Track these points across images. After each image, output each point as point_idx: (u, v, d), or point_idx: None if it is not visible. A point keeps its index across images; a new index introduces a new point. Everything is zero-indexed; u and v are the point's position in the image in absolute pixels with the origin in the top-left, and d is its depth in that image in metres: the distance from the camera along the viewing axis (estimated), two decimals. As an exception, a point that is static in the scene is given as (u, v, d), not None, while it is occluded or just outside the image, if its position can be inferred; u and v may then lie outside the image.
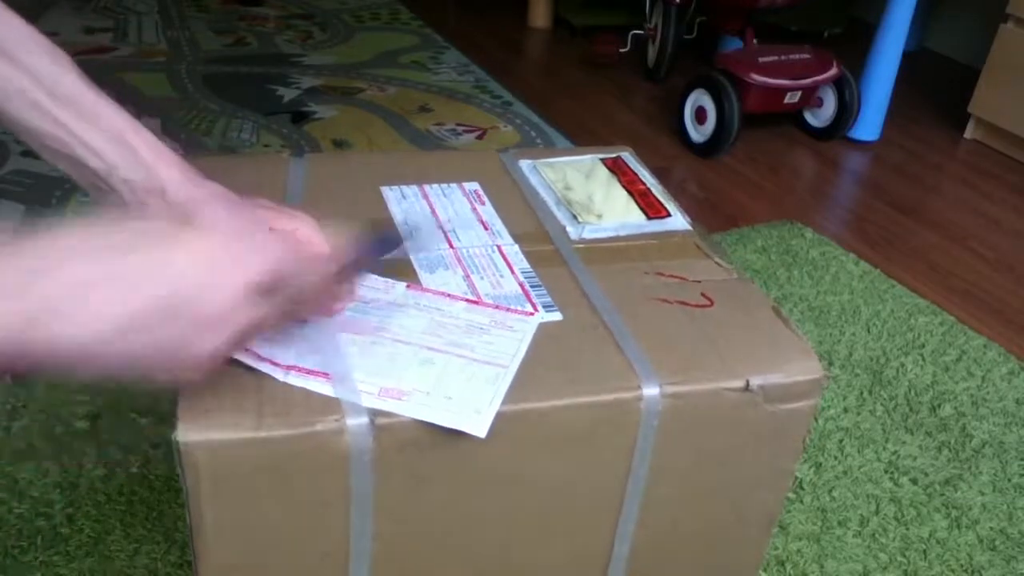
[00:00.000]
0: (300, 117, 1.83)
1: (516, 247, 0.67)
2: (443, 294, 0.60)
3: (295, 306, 0.50)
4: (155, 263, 0.43)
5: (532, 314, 0.59)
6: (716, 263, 0.67)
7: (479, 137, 1.83)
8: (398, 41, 2.34)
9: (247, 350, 0.52)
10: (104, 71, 1.94)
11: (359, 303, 0.59)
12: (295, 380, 0.51)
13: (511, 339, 0.56)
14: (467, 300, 0.60)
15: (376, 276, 0.61)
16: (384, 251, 0.59)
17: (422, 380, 0.52)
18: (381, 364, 0.53)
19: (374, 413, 0.50)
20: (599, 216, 0.71)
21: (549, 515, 0.57)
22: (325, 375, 0.52)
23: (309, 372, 0.52)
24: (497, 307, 0.59)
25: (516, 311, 0.59)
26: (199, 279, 0.43)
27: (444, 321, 0.57)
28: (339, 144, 1.74)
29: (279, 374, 0.51)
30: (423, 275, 0.62)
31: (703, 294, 0.63)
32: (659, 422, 0.55)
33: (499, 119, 1.92)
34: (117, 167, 0.52)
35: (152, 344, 0.42)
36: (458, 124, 1.88)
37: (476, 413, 0.50)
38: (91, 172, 0.52)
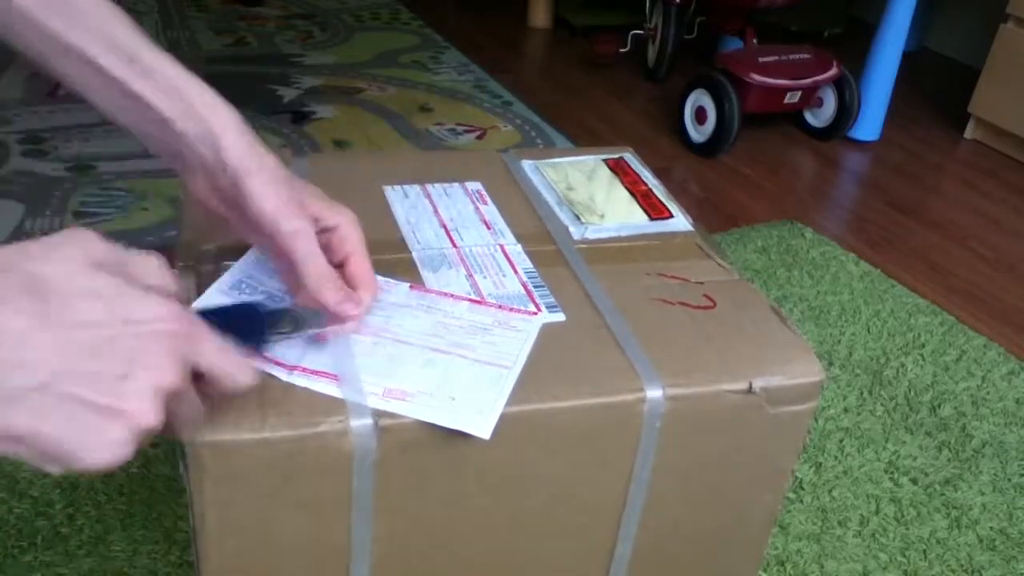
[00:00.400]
0: (300, 117, 1.83)
1: (519, 247, 0.67)
2: (446, 294, 0.60)
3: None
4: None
5: (535, 314, 0.59)
6: (718, 264, 0.67)
7: (479, 137, 1.83)
8: (398, 41, 2.34)
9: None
10: (104, 70, 1.94)
11: None
12: (299, 380, 0.51)
13: (514, 339, 0.56)
14: (470, 300, 0.60)
15: (378, 276, 0.61)
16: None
17: (426, 381, 0.52)
18: (385, 365, 0.53)
19: (378, 414, 0.50)
20: (601, 216, 0.72)
21: (551, 516, 0.57)
22: (330, 375, 0.52)
23: (314, 372, 0.52)
24: (500, 307, 0.59)
25: (519, 311, 0.59)
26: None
27: (447, 322, 0.57)
28: (339, 144, 1.74)
29: (283, 374, 0.52)
30: (426, 274, 0.62)
31: (705, 295, 0.63)
32: (661, 424, 0.55)
33: (499, 119, 1.92)
34: (173, 120, 0.51)
35: (58, 418, 0.37)
36: (458, 124, 1.88)
37: (479, 414, 0.51)
38: (146, 122, 0.52)
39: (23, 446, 0.37)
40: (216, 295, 0.57)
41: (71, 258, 0.39)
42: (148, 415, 0.38)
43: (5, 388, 0.36)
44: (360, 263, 0.56)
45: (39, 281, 0.38)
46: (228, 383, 0.43)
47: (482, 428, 0.50)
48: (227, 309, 0.53)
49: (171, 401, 0.40)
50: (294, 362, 0.52)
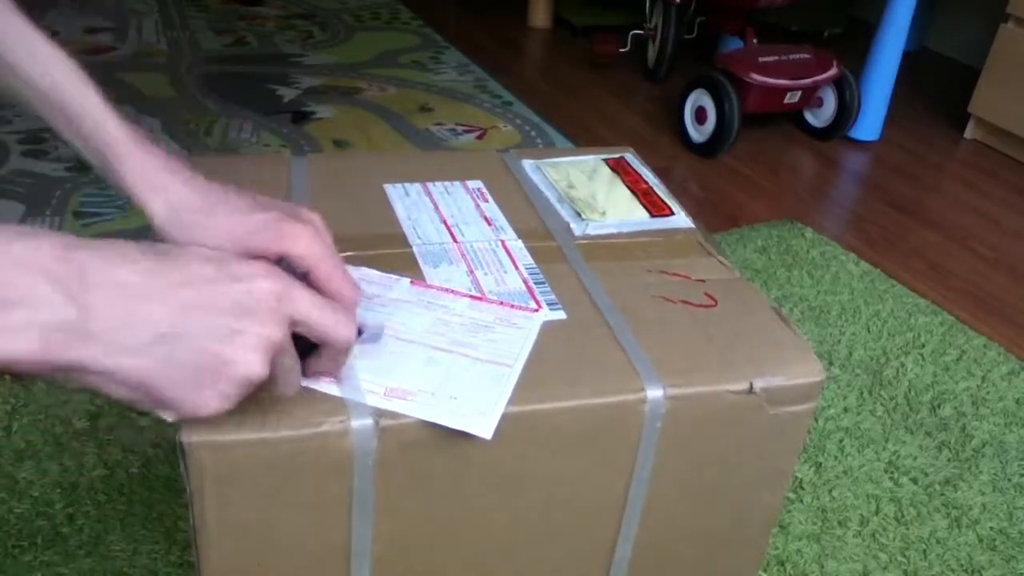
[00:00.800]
0: (300, 117, 1.83)
1: (520, 242, 0.67)
2: (447, 290, 0.60)
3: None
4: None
5: (536, 311, 0.59)
6: (719, 262, 0.67)
7: (479, 137, 1.83)
8: (398, 41, 2.34)
9: None
10: (104, 71, 1.94)
11: (362, 298, 0.58)
12: (303, 381, 0.51)
13: (516, 337, 0.56)
14: (471, 297, 0.60)
15: (380, 272, 0.61)
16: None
17: (427, 380, 0.52)
18: (386, 363, 0.53)
19: (378, 414, 0.50)
20: (602, 213, 0.71)
21: (551, 516, 0.57)
22: (327, 373, 0.52)
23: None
24: (501, 304, 0.59)
25: (520, 308, 0.59)
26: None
27: (448, 319, 0.57)
28: (339, 144, 1.74)
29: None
30: (427, 270, 0.62)
31: (706, 294, 0.63)
32: (662, 424, 0.55)
33: (499, 119, 1.92)
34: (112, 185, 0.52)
35: (175, 370, 0.41)
36: (458, 124, 1.88)
37: (481, 414, 0.50)
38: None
39: (139, 393, 0.41)
40: None
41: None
42: (255, 366, 0.42)
43: (125, 338, 0.39)
44: (322, 276, 0.50)
45: (156, 246, 0.42)
46: (331, 335, 0.46)
47: (484, 428, 0.50)
48: None
49: (275, 358, 0.43)
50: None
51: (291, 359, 0.46)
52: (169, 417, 0.43)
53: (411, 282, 0.61)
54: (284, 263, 0.49)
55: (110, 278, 0.39)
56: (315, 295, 0.46)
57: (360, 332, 0.53)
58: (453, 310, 0.58)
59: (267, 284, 0.43)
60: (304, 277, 0.49)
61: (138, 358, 0.40)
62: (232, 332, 0.41)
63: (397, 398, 0.51)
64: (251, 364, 0.42)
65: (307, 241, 0.50)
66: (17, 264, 0.37)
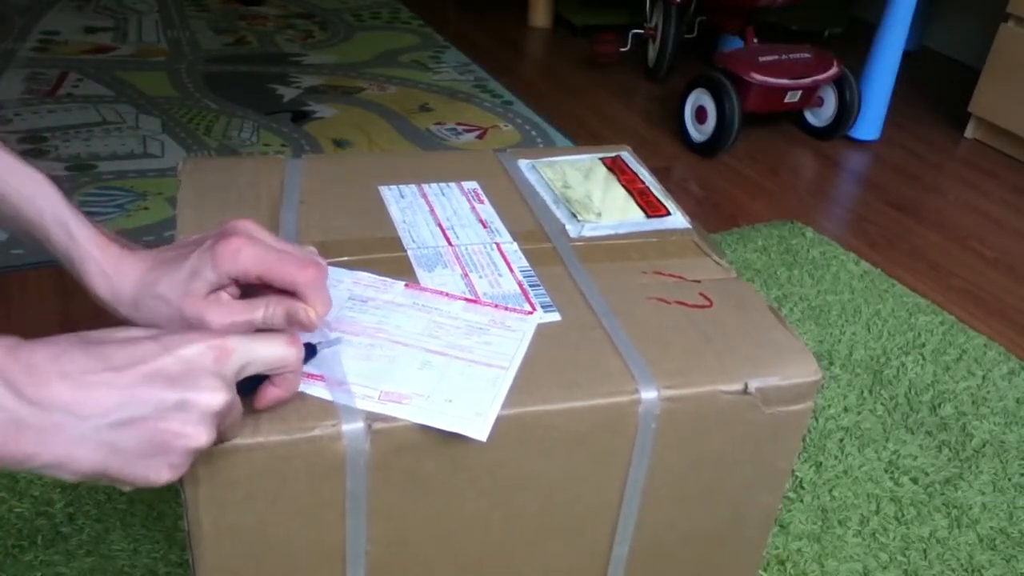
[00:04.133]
0: (300, 116, 1.83)
1: (515, 245, 0.67)
2: (441, 293, 0.60)
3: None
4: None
5: (531, 313, 0.59)
6: (715, 262, 0.67)
7: (479, 136, 1.83)
8: (398, 40, 2.34)
9: None
10: (104, 71, 1.94)
11: (356, 301, 0.58)
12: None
13: (510, 339, 0.56)
14: (466, 299, 0.60)
15: (374, 275, 0.61)
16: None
17: (422, 384, 0.52)
18: (381, 367, 0.53)
19: (370, 418, 0.50)
20: (598, 214, 0.71)
21: (547, 517, 0.57)
22: (321, 378, 0.52)
23: (311, 376, 0.52)
24: (496, 306, 0.59)
25: (515, 310, 0.59)
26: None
27: (443, 321, 0.57)
28: (339, 143, 1.74)
29: None
30: (421, 273, 0.62)
31: (702, 294, 0.63)
32: (657, 425, 0.55)
33: (499, 118, 1.92)
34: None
35: (127, 450, 0.42)
36: (458, 123, 1.88)
37: (477, 416, 0.50)
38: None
39: (93, 475, 0.42)
40: None
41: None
42: (202, 438, 0.43)
43: (75, 428, 0.41)
44: (275, 280, 0.50)
45: (93, 336, 0.44)
46: (280, 365, 0.48)
47: (479, 431, 0.50)
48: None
49: (221, 418, 0.44)
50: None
51: (237, 412, 0.47)
52: (125, 488, 0.45)
53: (405, 285, 0.61)
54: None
55: (53, 371, 0.41)
56: (250, 336, 0.47)
57: (312, 351, 0.53)
58: (448, 313, 0.58)
59: (200, 347, 0.44)
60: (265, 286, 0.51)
61: (89, 446, 0.41)
62: (177, 406, 0.43)
63: (392, 402, 0.51)
64: (198, 437, 0.43)
65: (237, 256, 0.50)
66: None
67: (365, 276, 0.61)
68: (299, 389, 0.51)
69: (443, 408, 0.51)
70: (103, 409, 0.41)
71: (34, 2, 2.28)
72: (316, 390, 0.51)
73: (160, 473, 0.43)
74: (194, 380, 0.43)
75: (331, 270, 0.60)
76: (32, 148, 1.59)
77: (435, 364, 0.54)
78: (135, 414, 0.42)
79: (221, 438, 0.47)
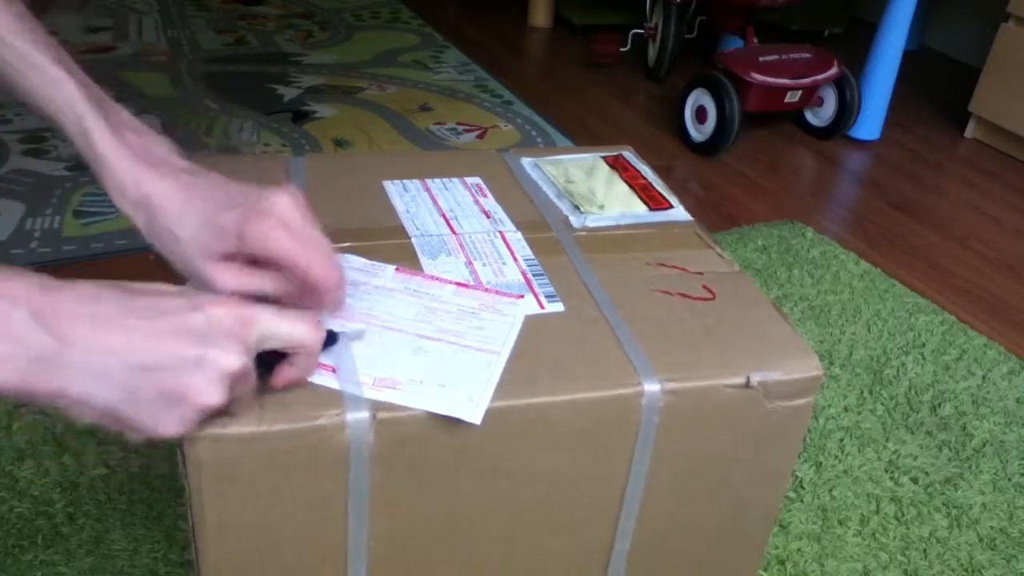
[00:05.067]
0: (300, 116, 1.83)
1: (518, 234, 0.67)
2: (432, 278, 0.60)
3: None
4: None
5: (521, 298, 0.59)
6: (717, 254, 0.67)
7: (480, 136, 1.83)
8: (398, 40, 2.34)
9: None
10: (104, 70, 1.94)
11: (347, 286, 0.58)
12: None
13: (501, 324, 0.56)
14: (456, 284, 0.60)
15: (364, 260, 0.61)
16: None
17: (416, 369, 0.52)
18: (374, 354, 0.53)
19: (374, 407, 0.50)
20: (601, 207, 0.71)
21: (549, 511, 0.57)
22: (326, 367, 0.52)
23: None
24: (487, 290, 0.59)
25: (506, 294, 0.59)
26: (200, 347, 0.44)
27: (434, 306, 0.57)
28: (340, 143, 1.74)
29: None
30: (425, 261, 0.62)
31: (704, 286, 0.63)
32: (659, 418, 0.55)
33: (500, 118, 1.92)
34: (87, 162, 0.54)
35: (143, 398, 0.44)
36: (459, 123, 1.88)
37: (470, 401, 0.50)
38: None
39: (107, 418, 0.44)
40: None
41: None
42: (214, 396, 0.44)
43: (98, 368, 0.42)
44: (299, 272, 0.50)
45: (124, 284, 0.46)
46: (299, 345, 0.48)
47: (473, 414, 0.50)
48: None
49: (233, 385, 0.46)
50: None
51: (248, 388, 0.48)
52: (134, 437, 0.45)
53: (396, 269, 0.61)
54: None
55: (83, 312, 0.43)
56: (276, 311, 0.48)
57: (334, 338, 0.53)
58: (439, 298, 0.58)
59: (226, 311, 0.45)
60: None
61: (109, 385, 0.43)
62: (195, 361, 0.44)
63: (387, 387, 0.51)
64: (211, 394, 0.44)
65: (267, 240, 0.49)
66: None
67: (356, 260, 0.61)
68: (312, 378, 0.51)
69: (437, 393, 0.51)
70: (128, 352, 0.43)
71: (34, 2, 2.28)
72: (319, 377, 0.51)
73: (168, 425, 0.44)
74: (216, 340, 0.44)
75: None
76: (32, 148, 1.59)
77: (428, 349, 0.54)
78: (157, 363, 0.43)
79: (229, 409, 0.47)
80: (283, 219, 0.50)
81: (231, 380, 0.45)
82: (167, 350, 0.43)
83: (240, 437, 0.48)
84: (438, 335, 0.55)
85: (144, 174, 0.53)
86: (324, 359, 0.52)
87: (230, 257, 0.51)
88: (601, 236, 0.68)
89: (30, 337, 0.41)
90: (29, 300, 0.41)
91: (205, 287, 0.51)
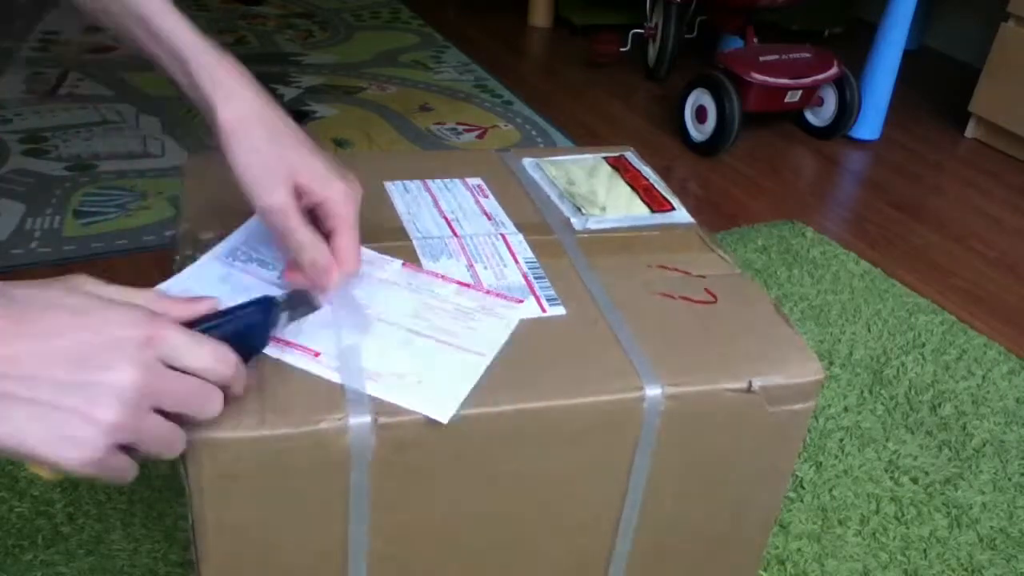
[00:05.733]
0: (301, 116, 1.83)
1: (520, 236, 0.67)
2: (437, 275, 0.60)
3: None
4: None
5: (520, 302, 0.59)
6: (720, 257, 0.67)
7: (480, 136, 1.83)
8: (398, 40, 2.34)
9: None
10: (105, 70, 1.94)
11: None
12: (273, 352, 0.52)
13: (495, 327, 0.56)
14: (459, 283, 0.60)
15: (374, 252, 0.61)
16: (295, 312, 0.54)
17: (398, 362, 0.52)
18: (361, 343, 0.53)
19: (376, 411, 0.50)
20: (603, 209, 0.71)
21: (550, 514, 0.57)
22: (304, 349, 0.52)
23: (288, 344, 0.52)
24: (488, 292, 0.59)
25: (505, 297, 0.59)
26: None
27: (433, 304, 0.57)
28: (339, 143, 1.74)
29: (276, 351, 0.52)
30: (426, 263, 0.62)
31: (706, 290, 0.63)
32: (660, 422, 0.55)
33: (500, 118, 1.92)
34: (182, 86, 0.55)
35: (27, 425, 0.39)
36: (459, 123, 1.87)
37: (442, 399, 0.50)
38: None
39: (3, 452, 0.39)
40: (211, 262, 0.59)
41: (50, 285, 0.43)
42: (110, 413, 0.40)
43: None
44: (342, 239, 0.55)
45: (15, 297, 0.41)
46: (208, 375, 0.45)
47: (441, 413, 0.50)
48: (238, 308, 0.50)
49: (138, 415, 0.41)
50: (289, 338, 0.53)
51: (155, 423, 0.43)
52: (42, 473, 0.42)
53: (403, 264, 0.61)
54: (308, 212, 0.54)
55: None
56: (187, 337, 0.44)
57: (305, 302, 0.54)
58: (439, 295, 0.58)
59: (128, 332, 0.42)
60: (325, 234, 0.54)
61: None
62: (86, 382, 0.40)
63: (365, 378, 0.51)
64: (105, 412, 0.40)
65: (344, 201, 0.55)
66: None
67: (365, 251, 0.61)
68: (294, 363, 0.52)
69: (412, 388, 0.51)
70: (2, 377, 0.38)
71: (34, 2, 2.28)
72: (309, 363, 0.51)
73: (68, 452, 0.40)
74: (107, 359, 0.41)
75: None
76: (32, 148, 1.59)
77: (415, 345, 0.54)
78: (40, 382, 0.39)
79: (140, 448, 0.43)
80: (355, 193, 0.56)
81: (134, 396, 0.41)
82: (57, 370, 0.39)
83: (241, 440, 0.48)
84: (429, 332, 0.55)
85: (241, 72, 0.55)
86: (300, 328, 0.53)
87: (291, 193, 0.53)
88: (603, 238, 0.68)
89: None
90: None
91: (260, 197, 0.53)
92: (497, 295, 0.59)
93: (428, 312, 0.57)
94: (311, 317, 0.54)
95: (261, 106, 0.54)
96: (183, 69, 0.54)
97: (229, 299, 0.50)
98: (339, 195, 0.55)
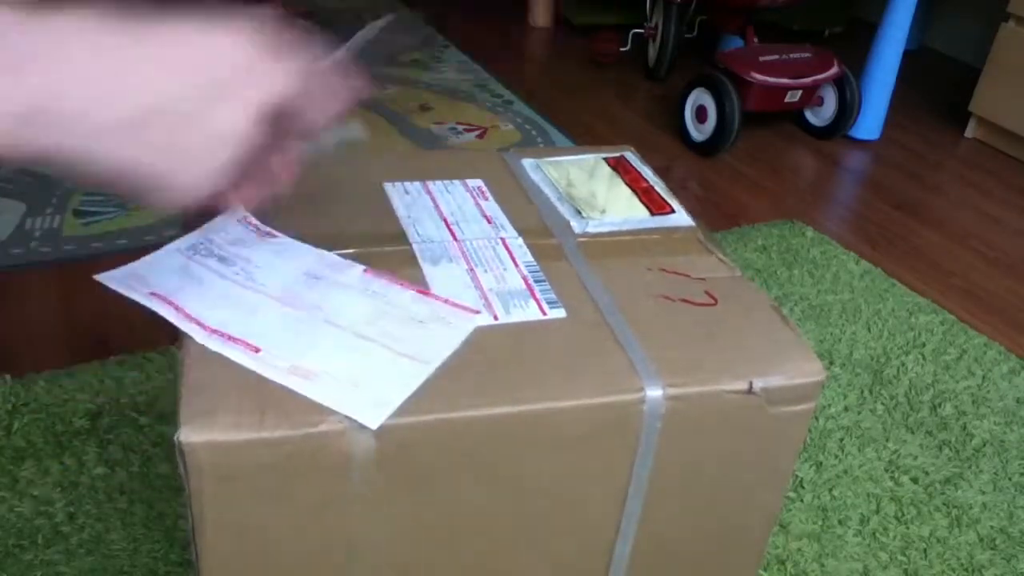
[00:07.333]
0: (300, 116, 1.83)
1: (520, 240, 0.67)
2: (395, 282, 0.60)
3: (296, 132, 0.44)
4: (189, 49, 0.38)
5: (476, 313, 0.59)
6: (720, 259, 0.67)
7: (480, 136, 1.83)
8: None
9: (177, 308, 0.53)
10: (104, 69, 1.94)
11: (309, 278, 0.58)
12: (214, 345, 0.52)
13: (444, 336, 0.56)
14: (417, 291, 0.59)
15: (337, 257, 0.61)
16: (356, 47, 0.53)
17: (337, 364, 0.52)
18: (303, 342, 0.53)
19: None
20: (602, 211, 0.71)
21: (551, 516, 0.57)
22: (246, 344, 0.52)
23: (231, 339, 0.52)
24: (445, 301, 0.59)
25: (461, 307, 0.59)
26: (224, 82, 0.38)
27: (386, 309, 0.57)
28: (339, 143, 1.74)
29: (201, 336, 0.52)
30: (427, 268, 0.62)
31: (707, 292, 0.63)
32: (661, 423, 0.55)
33: (500, 118, 1.92)
34: None
35: (162, 146, 0.37)
36: (459, 123, 1.87)
37: (373, 404, 0.50)
38: None
39: (121, 177, 0.38)
40: (171, 253, 0.59)
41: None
42: (240, 124, 0.39)
43: (100, 117, 0.36)
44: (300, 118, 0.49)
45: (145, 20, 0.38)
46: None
47: (371, 419, 0.49)
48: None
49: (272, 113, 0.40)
50: (215, 325, 0.53)
51: (310, 114, 0.42)
52: (152, 202, 0.39)
53: (364, 271, 0.60)
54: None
55: (83, 47, 0.35)
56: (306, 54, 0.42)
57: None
58: (394, 302, 0.58)
59: (256, 41, 0.39)
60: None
61: (116, 136, 0.36)
62: (218, 96, 0.38)
63: (299, 377, 0.50)
64: (237, 123, 0.38)
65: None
66: None
67: (329, 256, 0.61)
68: (221, 351, 0.51)
69: (345, 391, 0.50)
70: (136, 94, 0.36)
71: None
72: (237, 354, 0.52)
73: (190, 181, 0.38)
74: (245, 73, 0.39)
75: (297, 245, 0.61)
76: (32, 147, 1.59)
77: (358, 349, 0.53)
78: (168, 102, 0.37)
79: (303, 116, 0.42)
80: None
81: (266, 112, 0.39)
82: (185, 88, 0.37)
83: (241, 443, 0.48)
84: (376, 336, 0.55)
85: None
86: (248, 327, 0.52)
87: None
88: (603, 241, 0.68)
89: (13, 90, 0.33)
90: (12, 24, 0.34)
91: None
92: (453, 305, 0.59)
93: (381, 318, 0.56)
94: (260, 314, 0.54)
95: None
96: None
97: (183, 290, 0.52)
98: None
